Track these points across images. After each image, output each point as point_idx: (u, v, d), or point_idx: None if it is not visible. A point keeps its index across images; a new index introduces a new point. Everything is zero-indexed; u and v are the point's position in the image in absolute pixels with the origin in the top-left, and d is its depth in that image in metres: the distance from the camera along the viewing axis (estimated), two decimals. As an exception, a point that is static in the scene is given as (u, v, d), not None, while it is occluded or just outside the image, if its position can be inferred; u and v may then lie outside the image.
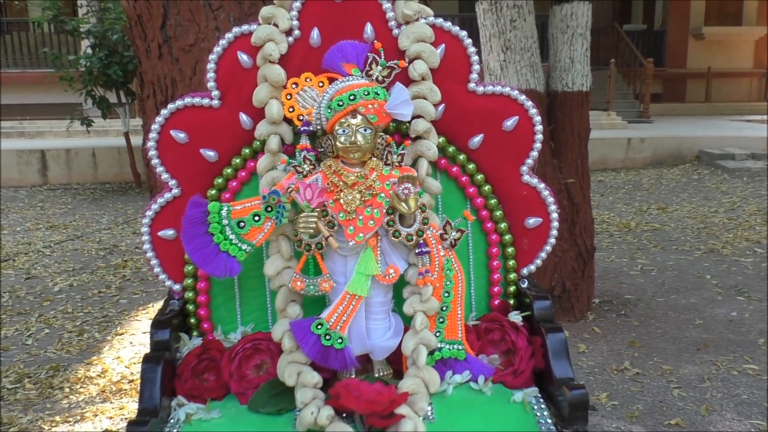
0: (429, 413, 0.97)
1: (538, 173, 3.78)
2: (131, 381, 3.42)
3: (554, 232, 1.17)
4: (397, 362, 1.06)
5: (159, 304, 4.39)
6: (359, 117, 1.01)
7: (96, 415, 3.04)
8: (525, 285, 1.16)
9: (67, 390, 3.33)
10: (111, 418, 3.02)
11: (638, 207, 7.62)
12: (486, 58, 4.12)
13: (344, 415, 0.96)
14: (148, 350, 3.46)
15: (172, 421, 0.97)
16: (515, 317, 1.11)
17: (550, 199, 1.16)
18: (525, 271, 1.18)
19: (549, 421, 0.95)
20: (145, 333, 4.09)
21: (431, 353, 1.04)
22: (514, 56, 3.98)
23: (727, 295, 4.54)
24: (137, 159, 9.47)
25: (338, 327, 0.98)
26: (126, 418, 3.01)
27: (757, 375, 3.33)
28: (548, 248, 1.18)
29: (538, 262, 1.18)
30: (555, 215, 1.16)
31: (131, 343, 3.95)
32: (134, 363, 3.65)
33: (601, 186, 9.03)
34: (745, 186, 8.66)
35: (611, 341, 3.82)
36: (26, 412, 3.09)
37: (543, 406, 0.98)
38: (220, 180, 1.14)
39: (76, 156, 9.87)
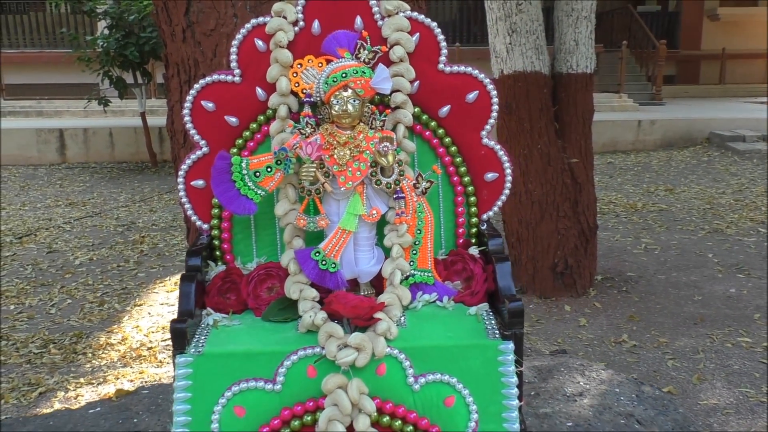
0: (402, 320, 1.25)
1: (543, 153, 3.91)
2: (150, 348, 3.60)
3: (508, 185, 1.43)
4: (378, 285, 1.34)
5: (176, 278, 4.58)
6: (350, 91, 1.28)
7: (117, 378, 3.22)
8: (484, 227, 1.42)
9: (90, 355, 3.52)
10: (132, 381, 3.20)
11: (646, 188, 7.70)
12: (492, 41, 4.23)
13: (335, 321, 1.23)
14: (168, 318, 3.62)
15: (203, 325, 1.26)
16: (473, 251, 1.40)
17: (505, 158, 1.44)
18: (484, 216, 1.45)
19: (495, 326, 1.21)
20: (162, 304, 4.27)
21: (406, 278, 1.32)
22: (520, 39, 4.09)
23: (728, 272, 4.66)
24: (153, 139, 9.64)
25: (332, 255, 1.26)
26: (146, 382, 3.18)
27: (750, 347, 3.46)
28: (503, 198, 1.44)
29: (495, 209, 1.44)
30: (509, 171, 1.44)
31: (149, 313, 4.13)
32: (152, 332, 3.83)
33: (610, 168, 9.11)
34: (755, 167, 8.71)
35: (611, 316, 3.95)
36: (52, 374, 3.28)
37: (491, 316, 1.26)
38: (240, 141, 1.42)
39: (93, 135, 10.05)
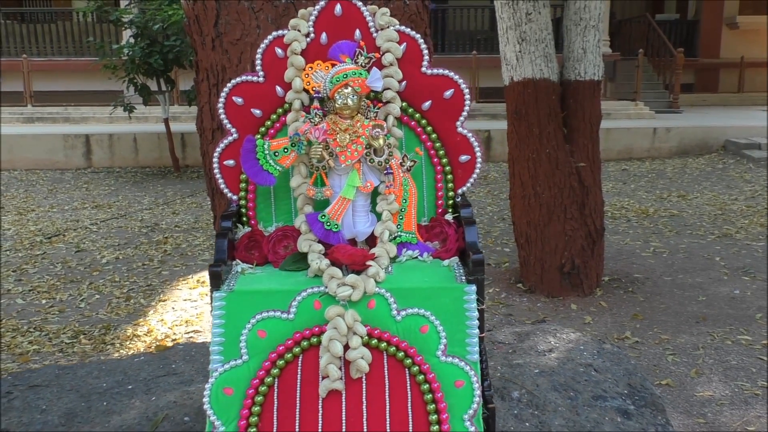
0: (389, 269, 1.56)
1: (551, 157, 4.07)
2: (174, 340, 3.79)
3: (479, 166, 1.74)
4: (372, 244, 1.66)
5: (198, 276, 4.79)
6: (350, 88, 1.59)
7: (144, 367, 3.42)
8: (458, 199, 1.74)
9: (118, 345, 3.72)
10: (157, 369, 3.39)
11: (659, 194, 7.80)
12: (503, 49, 4.40)
13: (337, 267, 1.53)
14: (191, 313, 3.85)
15: (233, 272, 1.59)
16: (448, 217, 1.74)
17: (476, 144, 1.74)
18: (459, 190, 1.77)
19: (462, 274, 1.53)
20: (185, 300, 4.48)
21: (393, 238, 1.64)
22: (529, 47, 4.25)
23: (734, 275, 4.77)
24: (176, 144, 9.89)
25: (335, 218, 1.58)
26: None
27: (750, 345, 3.58)
28: (475, 176, 1.76)
29: (468, 185, 1.75)
30: (479, 154, 1.74)
31: (173, 308, 4.33)
32: (176, 325, 4.03)
33: (624, 174, 9.21)
34: (769, 175, 8.77)
35: (616, 314, 4.09)
36: (83, 362, 3.48)
37: (460, 267, 1.58)
38: (263, 128, 1.74)
39: (118, 141, 10.33)
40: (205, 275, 4.99)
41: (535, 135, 4.32)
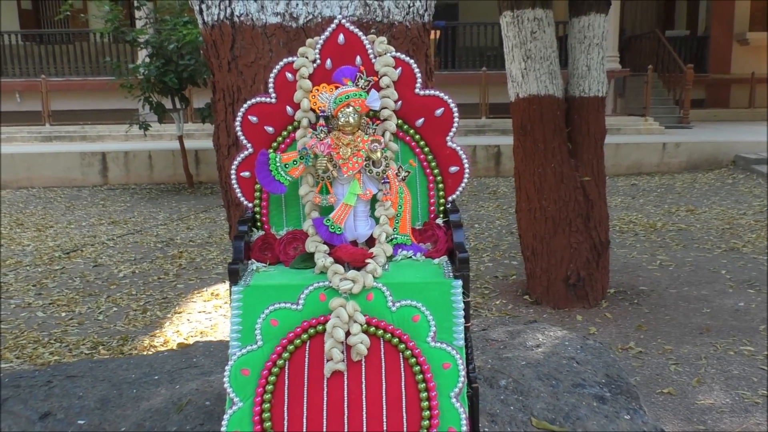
0: (386, 267, 1.75)
1: (556, 171, 4.18)
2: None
3: (466, 175, 1.93)
4: (371, 245, 1.84)
5: (212, 289, 4.91)
6: (351, 108, 1.79)
7: (160, 376, 3.53)
8: (449, 206, 1.94)
9: (135, 355, 3.83)
10: (173, 378, 3.50)
11: (667, 209, 7.86)
12: (509, 66, 4.52)
13: (339, 264, 1.72)
14: (205, 324, 3.99)
15: (249, 270, 1.79)
16: (439, 221, 1.93)
17: (464, 156, 1.93)
18: (449, 198, 1.95)
19: (450, 270, 1.72)
20: (200, 312, 4.59)
21: (390, 240, 1.85)
22: (534, 65, 4.37)
23: (739, 288, 4.83)
24: (189, 161, 10.08)
25: (338, 222, 1.78)
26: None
27: (752, 355, 3.65)
28: (463, 184, 1.94)
29: (457, 193, 1.94)
30: (467, 165, 1.93)
31: (188, 320, 4.45)
32: (191, 336, 4.15)
33: (633, 189, 9.27)
34: (779, 190, 8.80)
35: (621, 325, 4.16)
36: (102, 371, 3.61)
37: (449, 265, 1.77)
38: (275, 143, 1.94)
39: (133, 158, 10.53)
40: (218, 288, 5.12)
41: (540, 150, 4.42)
